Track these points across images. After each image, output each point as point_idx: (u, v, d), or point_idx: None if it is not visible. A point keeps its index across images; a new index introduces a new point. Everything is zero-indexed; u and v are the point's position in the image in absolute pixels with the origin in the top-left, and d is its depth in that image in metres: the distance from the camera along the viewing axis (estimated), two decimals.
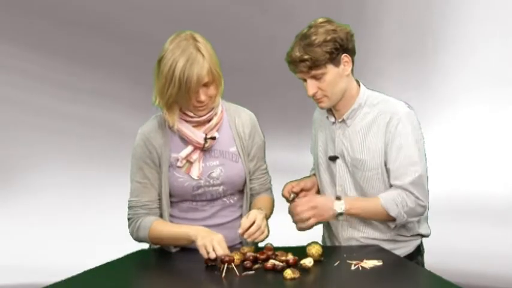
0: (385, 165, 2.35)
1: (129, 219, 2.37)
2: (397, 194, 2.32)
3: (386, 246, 2.36)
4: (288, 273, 2.01)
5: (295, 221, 2.36)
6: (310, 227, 2.35)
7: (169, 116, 2.28)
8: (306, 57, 2.28)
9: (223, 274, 2.04)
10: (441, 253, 2.93)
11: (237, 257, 2.15)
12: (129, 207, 2.37)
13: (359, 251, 2.24)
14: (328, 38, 2.28)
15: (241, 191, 2.42)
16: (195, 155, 2.31)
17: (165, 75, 2.20)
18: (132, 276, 2.20)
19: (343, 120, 2.41)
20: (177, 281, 2.11)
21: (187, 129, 2.31)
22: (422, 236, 2.47)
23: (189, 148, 2.31)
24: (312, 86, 2.33)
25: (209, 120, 2.32)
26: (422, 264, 2.47)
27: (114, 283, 2.10)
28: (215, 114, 2.33)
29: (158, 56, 2.25)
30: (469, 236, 3.28)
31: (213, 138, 2.32)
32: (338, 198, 2.35)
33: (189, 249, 2.26)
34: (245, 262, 2.12)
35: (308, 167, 2.64)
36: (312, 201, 2.35)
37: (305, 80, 2.34)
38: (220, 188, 2.35)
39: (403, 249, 2.42)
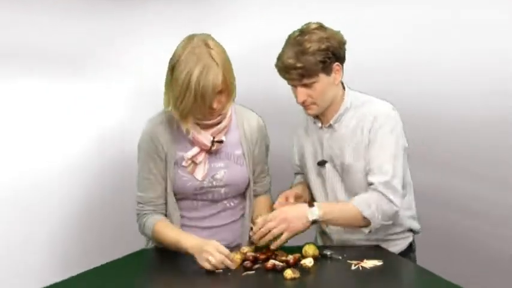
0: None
1: (137, 214, 2.38)
2: (370, 195, 2.26)
3: (380, 243, 2.37)
4: (288, 273, 2.01)
5: (266, 241, 2.18)
6: (284, 243, 2.19)
7: (183, 124, 2.27)
8: (298, 65, 2.23)
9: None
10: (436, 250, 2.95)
11: (237, 256, 2.15)
12: (137, 203, 2.37)
13: (359, 251, 2.25)
14: (322, 46, 2.25)
15: (242, 194, 2.42)
16: (201, 157, 2.31)
17: (180, 84, 2.18)
18: (132, 276, 2.19)
19: (331, 125, 2.40)
20: (178, 281, 2.11)
21: (196, 131, 2.30)
22: (413, 231, 2.49)
23: (196, 149, 2.30)
24: (301, 93, 2.30)
25: (218, 123, 2.32)
26: (415, 261, 2.49)
27: (114, 283, 2.10)
28: (224, 117, 2.33)
29: (171, 61, 2.23)
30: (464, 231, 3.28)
31: (221, 141, 2.31)
32: (311, 204, 2.26)
33: None
34: (245, 262, 2.13)
35: None
36: (282, 214, 2.20)
37: (295, 86, 2.32)
38: (223, 190, 2.35)
39: (396, 246, 2.43)
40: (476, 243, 3.27)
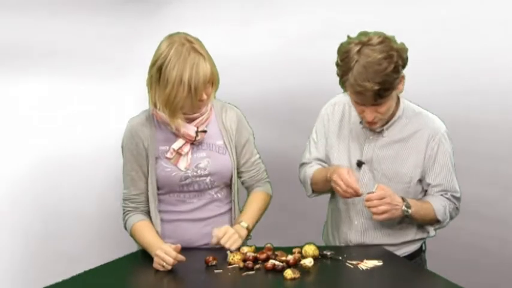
0: (420, 180, 2.37)
1: (123, 210, 2.43)
2: (448, 204, 2.39)
3: (393, 247, 2.37)
4: (288, 273, 2.01)
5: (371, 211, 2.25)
6: (384, 220, 2.28)
7: (173, 121, 2.31)
8: (377, 87, 2.11)
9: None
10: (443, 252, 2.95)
11: (237, 257, 2.16)
12: (122, 199, 2.44)
13: (359, 251, 2.24)
14: (399, 62, 2.14)
15: (228, 186, 2.44)
16: (186, 148, 2.36)
17: (172, 82, 2.22)
18: (132, 276, 2.20)
19: (382, 130, 2.36)
20: (177, 281, 2.12)
21: (180, 124, 2.33)
22: (430, 236, 2.49)
23: (181, 141, 2.35)
24: (372, 112, 2.23)
25: (200, 115, 2.37)
26: (425, 261, 2.50)
27: (113, 283, 2.10)
28: (206, 109, 2.38)
29: (155, 62, 2.26)
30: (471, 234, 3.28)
31: (204, 131, 2.36)
32: (403, 199, 2.28)
33: (188, 248, 2.27)
34: (245, 262, 2.13)
35: None
36: (389, 198, 2.23)
37: (364, 105, 2.22)
38: (208, 179, 2.39)
39: (409, 247, 2.43)
40: (477, 244, 3.27)
